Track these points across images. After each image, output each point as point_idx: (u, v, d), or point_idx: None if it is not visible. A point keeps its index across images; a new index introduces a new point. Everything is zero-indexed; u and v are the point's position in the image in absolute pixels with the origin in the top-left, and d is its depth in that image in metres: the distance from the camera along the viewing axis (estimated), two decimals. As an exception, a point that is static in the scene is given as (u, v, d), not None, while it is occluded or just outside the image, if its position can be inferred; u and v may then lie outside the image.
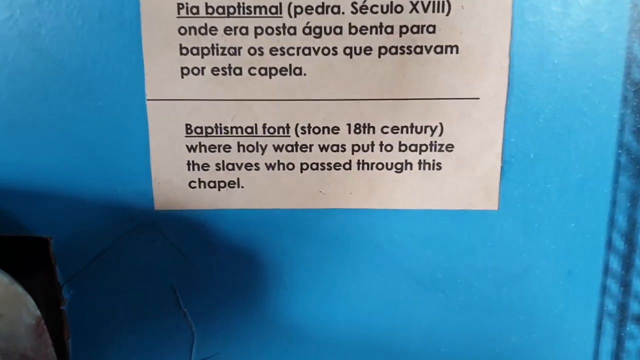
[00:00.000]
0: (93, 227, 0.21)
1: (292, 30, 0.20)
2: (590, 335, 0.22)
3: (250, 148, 0.21)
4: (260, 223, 0.21)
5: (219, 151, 0.21)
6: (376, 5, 0.19)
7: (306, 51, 0.20)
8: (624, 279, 0.21)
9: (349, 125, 0.20)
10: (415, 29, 0.20)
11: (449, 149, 0.21)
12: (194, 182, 0.21)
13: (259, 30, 0.20)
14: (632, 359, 0.22)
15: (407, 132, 0.20)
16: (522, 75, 0.20)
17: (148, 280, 0.22)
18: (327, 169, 0.21)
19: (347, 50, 0.20)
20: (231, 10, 0.19)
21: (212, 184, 0.21)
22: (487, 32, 0.19)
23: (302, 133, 0.21)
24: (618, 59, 0.20)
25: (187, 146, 0.21)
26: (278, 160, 0.21)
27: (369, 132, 0.21)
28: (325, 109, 0.20)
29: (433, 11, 0.19)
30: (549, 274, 0.22)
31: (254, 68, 0.20)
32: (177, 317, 0.22)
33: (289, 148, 0.21)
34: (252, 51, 0.20)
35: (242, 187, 0.21)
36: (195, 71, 0.20)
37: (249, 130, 0.20)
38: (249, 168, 0.21)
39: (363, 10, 0.19)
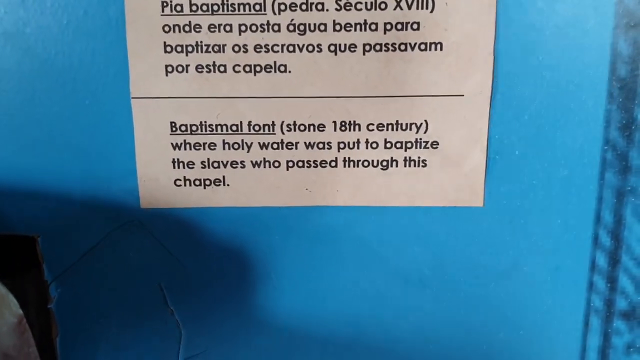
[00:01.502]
0: (80, 225, 0.21)
1: (276, 28, 0.20)
2: (578, 331, 0.22)
3: (236, 146, 0.21)
4: (247, 221, 0.21)
5: (204, 149, 0.21)
6: (360, 3, 0.19)
7: (291, 48, 0.20)
8: (611, 275, 0.21)
9: (334, 122, 0.20)
10: (399, 26, 0.19)
11: (434, 146, 0.20)
12: (180, 180, 0.21)
13: (243, 28, 0.20)
14: (618, 355, 0.22)
15: (392, 129, 0.20)
16: (507, 72, 0.20)
17: (135, 278, 0.22)
18: (313, 167, 0.21)
19: (332, 48, 0.20)
20: (215, 7, 0.19)
21: (197, 182, 0.21)
22: (471, 29, 0.19)
23: (287, 130, 0.21)
24: (603, 55, 0.20)
25: (172, 144, 0.21)
26: (264, 158, 0.21)
27: (354, 130, 0.21)
28: (311, 106, 0.20)
29: (417, 8, 0.19)
30: (536, 270, 0.22)
31: (239, 65, 0.20)
32: (165, 314, 0.22)
33: (275, 146, 0.21)
34: (236, 48, 0.20)
35: (228, 185, 0.21)
36: (180, 69, 0.20)
37: (234, 127, 0.20)
38: (234, 166, 0.21)
39: (347, 8, 0.19)
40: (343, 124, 0.20)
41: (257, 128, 0.20)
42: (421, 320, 0.22)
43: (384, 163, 0.21)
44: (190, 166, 0.21)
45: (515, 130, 0.20)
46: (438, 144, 0.20)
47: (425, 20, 0.19)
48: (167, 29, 0.20)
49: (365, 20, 0.19)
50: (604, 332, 0.22)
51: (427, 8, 0.19)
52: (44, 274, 0.22)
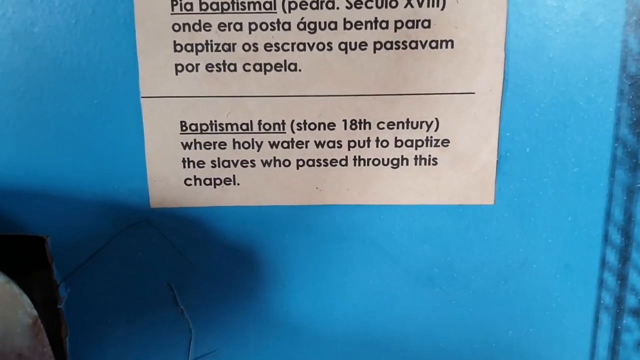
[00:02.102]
0: (89, 225, 0.21)
1: (286, 26, 0.20)
2: (588, 329, 0.22)
3: (246, 145, 0.21)
4: (257, 220, 0.21)
5: (214, 148, 0.21)
6: (371, 0, 0.19)
7: (301, 47, 0.20)
8: (621, 272, 0.21)
9: (344, 121, 0.20)
10: (410, 24, 0.19)
11: (445, 144, 0.20)
12: (190, 179, 0.21)
13: (253, 26, 0.20)
14: (628, 352, 0.22)
15: (403, 127, 0.20)
16: (518, 69, 0.20)
17: (145, 278, 0.22)
18: (323, 165, 0.21)
19: (342, 46, 0.20)
20: (225, 6, 0.19)
21: (207, 181, 0.21)
22: (482, 27, 0.19)
23: (297, 129, 0.21)
24: (614, 53, 0.20)
25: (182, 143, 0.21)
26: (274, 157, 0.21)
27: (364, 128, 0.20)
28: (321, 104, 0.20)
29: (428, 6, 0.19)
30: (546, 268, 0.22)
31: (249, 64, 0.20)
32: (175, 314, 0.22)
33: (285, 144, 0.21)
34: (246, 47, 0.20)
35: (238, 184, 0.21)
36: (190, 68, 0.20)
37: (244, 127, 0.20)
38: (244, 165, 0.21)
39: (358, 6, 0.19)
40: (353, 122, 0.20)
41: (267, 127, 0.20)
42: (431, 318, 0.22)
43: (394, 161, 0.21)
44: (201, 165, 0.21)
45: (525, 128, 0.20)
46: (449, 142, 0.20)
47: (436, 18, 0.19)
48: (176, 27, 0.20)
49: (375, 18, 0.19)
50: (614, 329, 0.22)
51: (437, 5, 0.19)
52: (53, 274, 0.22)
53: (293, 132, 0.21)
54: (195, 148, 0.21)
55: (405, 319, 0.22)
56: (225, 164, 0.21)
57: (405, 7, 0.19)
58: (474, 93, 0.20)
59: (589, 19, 0.19)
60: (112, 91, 0.20)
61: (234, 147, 0.21)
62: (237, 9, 0.19)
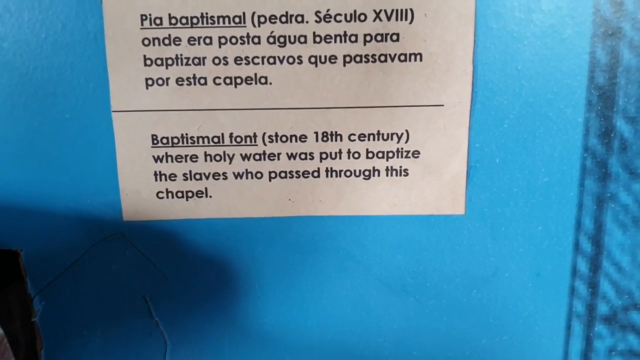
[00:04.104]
0: (63, 239, 0.21)
1: (256, 40, 0.20)
2: (560, 337, 0.22)
3: (218, 157, 0.21)
4: (230, 232, 0.21)
5: (186, 161, 0.21)
6: (340, 14, 0.19)
7: (271, 60, 0.20)
8: (592, 281, 0.22)
9: (316, 133, 0.21)
10: (379, 38, 0.20)
11: (415, 156, 0.21)
12: (162, 192, 0.21)
13: (222, 40, 0.20)
14: (600, 359, 0.22)
15: (373, 139, 0.21)
16: (486, 81, 0.20)
17: (119, 291, 0.22)
18: (296, 177, 0.21)
19: (312, 59, 0.20)
20: (195, 20, 0.19)
21: (179, 194, 0.21)
22: (450, 39, 0.20)
23: (269, 142, 0.21)
24: (581, 64, 0.20)
25: (153, 157, 0.21)
26: (246, 169, 0.21)
27: (336, 140, 0.21)
28: (292, 117, 0.20)
29: (396, 19, 0.19)
30: (518, 276, 0.22)
31: (219, 78, 0.20)
32: (150, 326, 0.22)
33: (257, 157, 0.21)
34: (216, 61, 0.20)
35: (210, 196, 0.21)
36: (160, 82, 0.20)
37: (215, 140, 0.20)
38: (216, 177, 0.21)
39: (327, 19, 0.19)
40: (325, 134, 0.21)
41: (238, 139, 0.21)
42: (404, 328, 0.22)
43: (366, 173, 0.21)
44: (172, 178, 0.21)
45: (495, 139, 0.20)
46: (419, 153, 0.21)
47: (404, 32, 0.19)
48: (146, 42, 0.20)
49: (345, 32, 0.20)
50: (586, 336, 0.22)
51: (406, 19, 0.19)
52: (27, 287, 0.22)
53: (265, 144, 0.21)
54: (167, 161, 0.21)
55: (380, 329, 0.22)
56: (197, 176, 0.21)
57: (374, 20, 0.19)
58: (443, 105, 0.20)
59: (557, 30, 0.20)
60: (83, 105, 0.20)
61: (206, 160, 0.21)
62: (207, 23, 0.19)
